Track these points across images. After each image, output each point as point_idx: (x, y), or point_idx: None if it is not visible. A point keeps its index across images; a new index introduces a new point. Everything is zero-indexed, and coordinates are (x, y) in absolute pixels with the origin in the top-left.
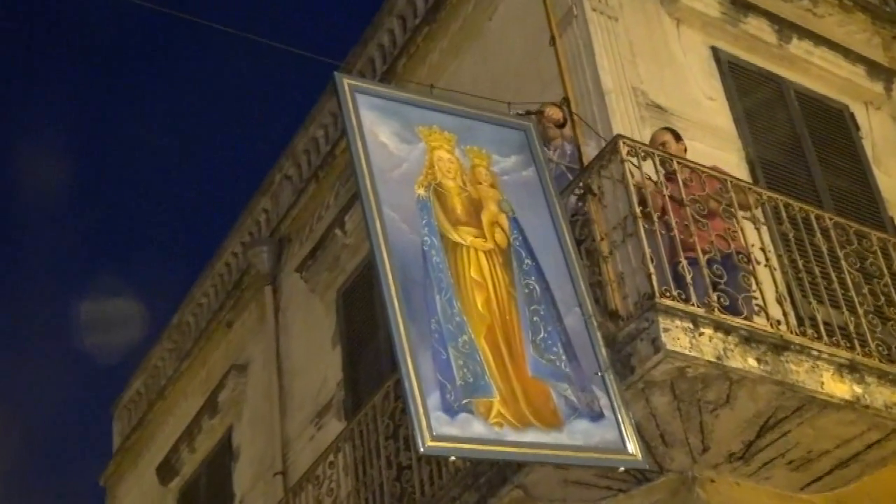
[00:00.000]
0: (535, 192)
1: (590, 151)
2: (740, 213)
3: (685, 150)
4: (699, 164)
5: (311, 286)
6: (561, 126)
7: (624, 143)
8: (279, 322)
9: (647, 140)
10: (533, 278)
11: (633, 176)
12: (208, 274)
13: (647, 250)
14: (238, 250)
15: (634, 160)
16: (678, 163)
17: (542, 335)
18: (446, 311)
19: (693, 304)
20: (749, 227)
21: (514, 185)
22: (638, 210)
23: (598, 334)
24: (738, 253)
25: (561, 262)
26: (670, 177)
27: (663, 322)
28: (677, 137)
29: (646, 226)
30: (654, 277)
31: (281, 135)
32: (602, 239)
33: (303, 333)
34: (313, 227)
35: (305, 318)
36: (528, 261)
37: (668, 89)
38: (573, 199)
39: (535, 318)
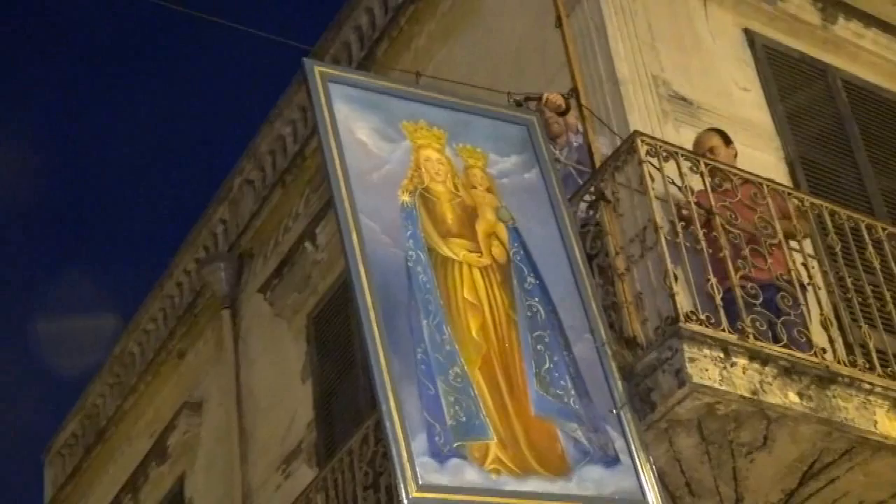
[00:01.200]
0: (539, 197)
1: (603, 151)
2: (781, 223)
3: (735, 156)
4: (732, 167)
5: (276, 310)
6: (562, 114)
7: (642, 141)
8: (239, 352)
9: (678, 140)
10: (537, 299)
11: (652, 179)
12: (156, 296)
13: (670, 266)
14: (191, 268)
15: (655, 161)
16: (704, 164)
17: (547, 366)
18: (435, 338)
19: (724, 330)
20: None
21: (514, 189)
22: (659, 219)
23: (613, 365)
24: (777, 271)
25: (569, 280)
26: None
27: (689, 351)
28: (727, 141)
29: (668, 238)
30: (677, 298)
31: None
32: (617, 253)
33: (267, 365)
34: (279, 240)
35: (270, 348)
36: (530, 279)
37: (695, 79)
38: (583, 206)
39: (539, 347)
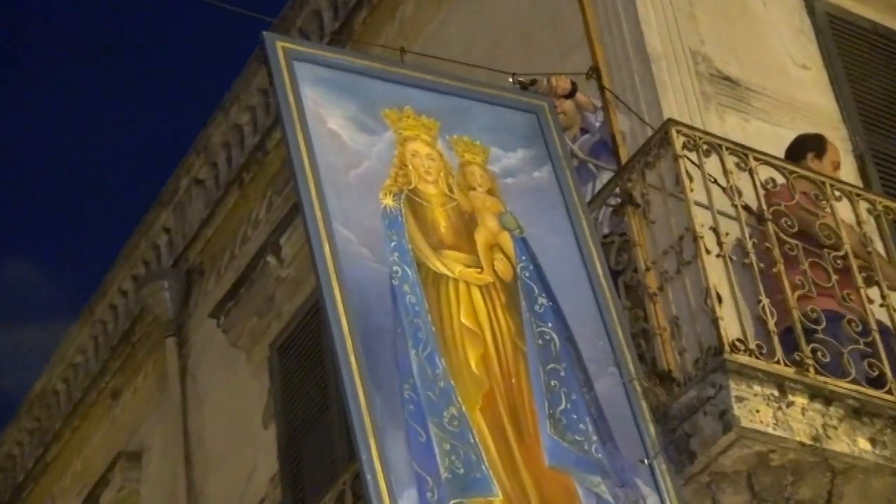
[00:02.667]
0: (552, 200)
1: (630, 144)
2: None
3: (837, 167)
4: (786, 162)
5: (232, 338)
6: (569, 97)
7: (678, 131)
8: (187, 390)
9: (722, 129)
10: (550, 325)
11: (690, 179)
12: (85, 322)
13: (712, 284)
14: (128, 287)
15: (693, 156)
16: (755, 158)
17: (563, 406)
18: (426, 372)
19: (778, 362)
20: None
21: (521, 190)
22: (698, 227)
23: (644, 405)
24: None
25: (590, 301)
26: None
27: (736, 388)
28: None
29: (709, 249)
30: (722, 324)
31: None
32: (648, 269)
33: (221, 406)
34: (235, 252)
35: (225, 385)
36: (542, 300)
37: (742, 54)
38: (606, 210)
39: (553, 383)
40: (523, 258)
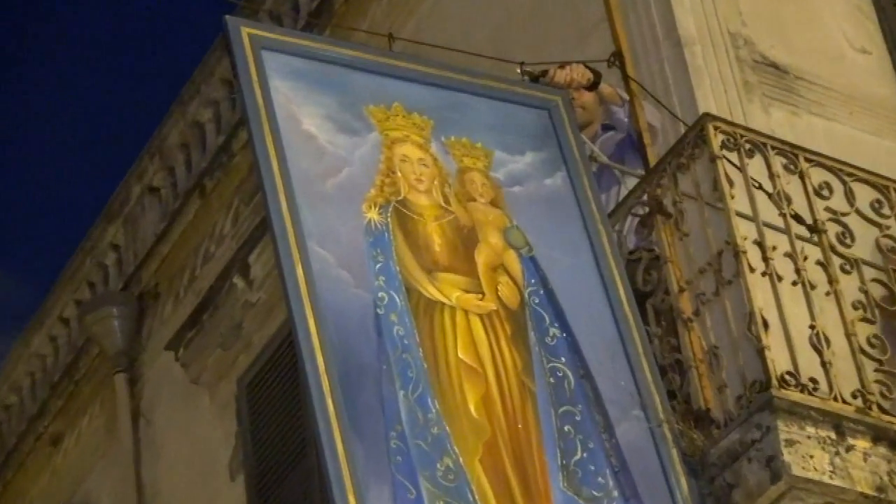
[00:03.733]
0: (566, 213)
1: (659, 143)
2: None
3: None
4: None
5: (193, 373)
6: (591, 88)
7: (716, 128)
8: (140, 435)
9: (768, 125)
10: (563, 360)
11: (731, 183)
12: (20, 355)
13: (758, 308)
14: (70, 314)
15: (734, 156)
16: (806, 159)
17: (578, 456)
18: (417, 417)
19: (836, 399)
20: None
21: (531, 201)
22: (741, 240)
23: (676, 453)
24: None
25: (611, 331)
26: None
27: (786, 429)
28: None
29: (754, 268)
30: (769, 354)
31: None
32: (682, 290)
33: (180, 453)
34: (196, 272)
35: (185, 428)
36: (554, 330)
37: (791, 36)
38: (631, 222)
39: (566, 428)
40: (532, 281)
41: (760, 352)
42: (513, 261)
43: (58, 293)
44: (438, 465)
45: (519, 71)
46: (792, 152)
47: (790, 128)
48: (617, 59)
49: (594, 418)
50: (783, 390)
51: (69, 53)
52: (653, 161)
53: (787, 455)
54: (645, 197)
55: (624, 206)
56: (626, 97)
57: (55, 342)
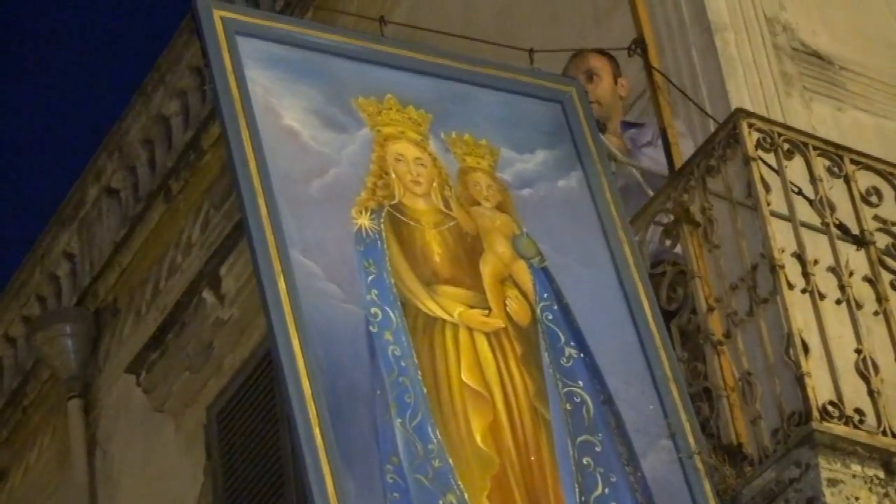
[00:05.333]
0: (583, 218)
1: (686, 142)
2: None
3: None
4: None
5: (156, 400)
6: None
7: (751, 125)
8: (95, 469)
9: (809, 122)
10: (581, 384)
11: (767, 188)
12: None
13: (797, 329)
14: (17, 332)
15: (771, 157)
16: (852, 161)
17: (599, 492)
18: (415, 449)
19: (885, 433)
20: None
21: (543, 205)
22: (778, 253)
23: (708, 487)
24: None
25: (635, 352)
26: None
27: (828, 467)
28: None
29: (793, 284)
30: (809, 381)
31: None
32: (711, 309)
33: (142, 490)
34: (160, 286)
35: (146, 461)
36: (571, 350)
37: (835, 22)
38: (654, 231)
39: (585, 460)
40: (545, 295)
41: (800, 379)
42: (523, 272)
43: (3, 308)
44: (441, 503)
45: (531, 60)
46: (836, 153)
47: (834, 124)
48: (639, 46)
49: (616, 449)
50: (825, 423)
51: (17, 38)
52: (678, 162)
53: (830, 496)
54: (670, 203)
55: (646, 213)
56: (659, 120)
57: (0, 364)
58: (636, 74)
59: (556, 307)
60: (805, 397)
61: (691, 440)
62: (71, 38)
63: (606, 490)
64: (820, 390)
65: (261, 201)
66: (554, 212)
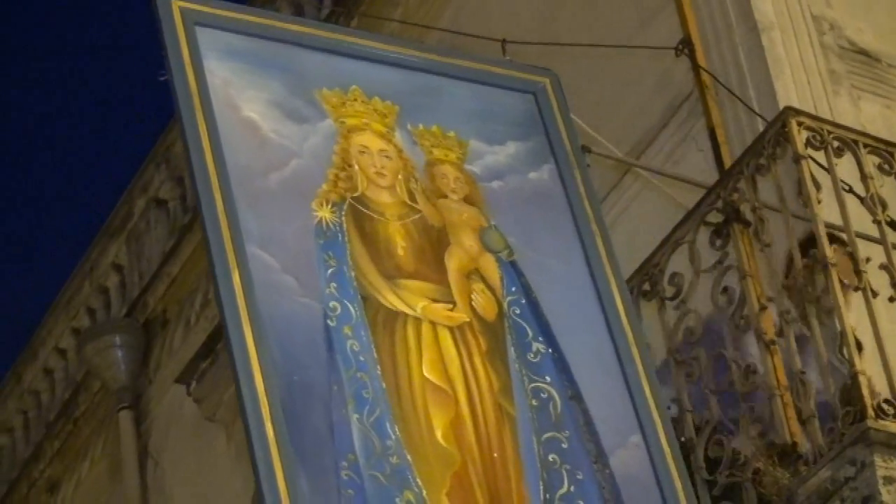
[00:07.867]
0: (554, 211)
1: (734, 142)
2: None
3: None
4: None
5: (207, 410)
6: None
7: (800, 123)
8: (147, 479)
9: (858, 120)
10: (548, 379)
11: (817, 187)
12: (12, 391)
13: (850, 328)
14: (67, 344)
15: (821, 156)
16: None
17: (564, 490)
18: (373, 445)
19: None
20: None
21: (512, 198)
22: (830, 252)
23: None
24: None
25: (605, 347)
26: None
27: (884, 465)
28: None
29: (845, 282)
30: (864, 380)
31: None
32: (763, 308)
33: (194, 499)
34: (209, 295)
35: (198, 471)
36: (538, 345)
37: (882, 19)
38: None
39: (551, 457)
40: (513, 289)
41: (854, 377)
42: (490, 266)
43: (53, 321)
44: (398, 501)
45: (503, 50)
46: (887, 150)
47: (883, 122)
48: (686, 46)
49: (584, 446)
50: (880, 421)
51: (65, 56)
52: (727, 162)
53: (887, 494)
54: (720, 203)
55: (696, 213)
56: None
57: (51, 376)
58: (683, 75)
59: (524, 301)
60: (859, 395)
61: (662, 437)
62: (118, 57)
63: (573, 488)
64: (875, 388)
65: (217, 195)
66: (525, 205)
